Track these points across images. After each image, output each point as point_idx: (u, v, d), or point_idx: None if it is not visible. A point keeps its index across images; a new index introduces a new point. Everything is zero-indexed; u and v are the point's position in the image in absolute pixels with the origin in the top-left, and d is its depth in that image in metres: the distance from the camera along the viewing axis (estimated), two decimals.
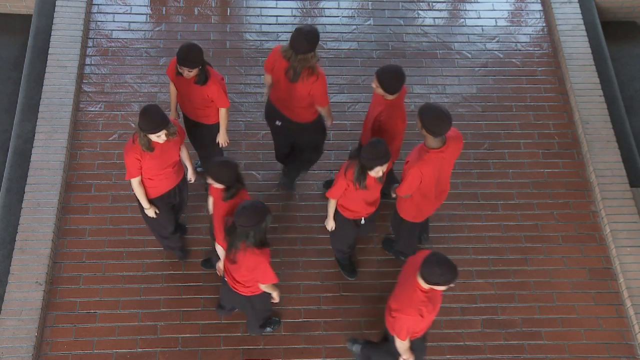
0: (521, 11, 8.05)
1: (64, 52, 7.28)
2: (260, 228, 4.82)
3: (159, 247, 6.41)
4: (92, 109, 7.10)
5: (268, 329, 6.05)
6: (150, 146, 5.24)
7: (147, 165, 5.35)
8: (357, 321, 6.20)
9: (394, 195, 5.68)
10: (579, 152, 7.16)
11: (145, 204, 5.61)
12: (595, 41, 7.73)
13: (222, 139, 6.11)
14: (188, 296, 6.23)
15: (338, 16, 7.86)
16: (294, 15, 7.83)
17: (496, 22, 7.94)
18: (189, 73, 5.49)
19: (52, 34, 7.38)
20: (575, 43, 7.68)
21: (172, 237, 6.10)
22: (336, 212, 5.69)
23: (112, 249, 6.40)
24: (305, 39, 5.43)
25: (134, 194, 5.60)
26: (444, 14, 7.97)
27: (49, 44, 7.33)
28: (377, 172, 5.15)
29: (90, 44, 7.49)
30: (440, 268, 4.49)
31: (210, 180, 5.06)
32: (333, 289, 6.34)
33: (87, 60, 7.38)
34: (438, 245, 6.57)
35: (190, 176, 5.89)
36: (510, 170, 7.03)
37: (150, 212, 5.69)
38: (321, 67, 5.91)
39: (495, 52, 7.73)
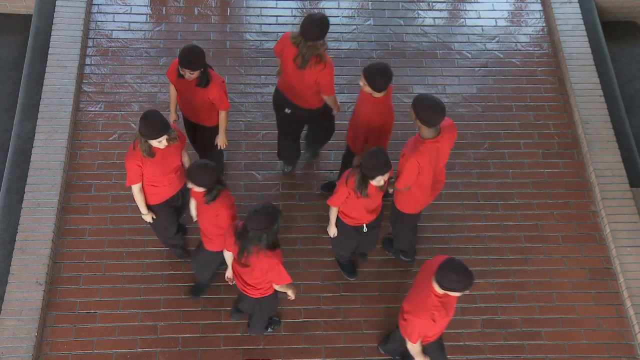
0: (521, 11, 8.05)
1: (64, 52, 7.28)
2: (273, 230, 4.83)
3: (159, 247, 6.41)
4: (92, 109, 7.10)
5: (269, 329, 6.06)
6: (151, 152, 5.25)
7: (148, 171, 5.36)
8: (357, 321, 6.20)
9: (391, 191, 5.69)
10: (579, 152, 7.16)
11: (143, 210, 5.64)
12: (595, 41, 7.73)
13: (221, 141, 6.12)
14: (188, 296, 6.23)
15: (338, 16, 7.86)
16: (294, 15, 7.83)
17: (496, 22, 7.94)
18: (191, 75, 5.49)
19: (52, 34, 7.38)
20: (575, 43, 7.68)
21: (174, 237, 6.12)
22: (337, 218, 5.71)
23: (112, 249, 6.40)
24: (316, 26, 5.45)
25: None
26: (444, 14, 7.97)
27: (49, 44, 7.33)
28: (379, 181, 5.18)
29: (90, 44, 7.49)
30: (457, 274, 4.49)
31: (190, 184, 5.06)
32: (333, 289, 6.34)
33: (87, 60, 7.38)
34: (438, 246, 6.58)
35: None
36: (510, 170, 7.03)
37: (148, 217, 5.71)
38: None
39: (495, 52, 7.73)
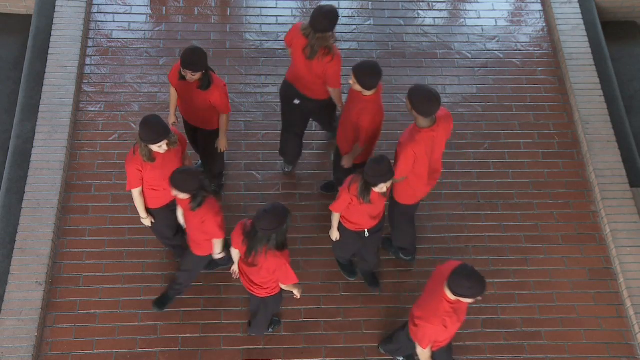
0: (521, 11, 8.05)
1: (64, 52, 7.28)
2: (282, 230, 4.83)
3: (159, 247, 6.41)
4: (92, 109, 7.10)
5: (269, 329, 6.06)
6: (151, 156, 5.25)
7: (148, 175, 5.36)
8: (357, 321, 6.20)
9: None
10: (579, 152, 7.16)
11: (142, 214, 5.65)
12: (595, 41, 7.74)
13: (222, 144, 6.12)
14: (188, 296, 6.23)
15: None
16: (294, 16, 7.83)
17: (496, 22, 7.94)
18: (193, 76, 5.49)
19: (52, 34, 7.38)
20: (575, 43, 7.68)
21: (174, 239, 6.11)
22: (339, 223, 5.71)
23: (112, 249, 6.40)
24: (326, 18, 5.52)
25: None
26: (444, 14, 7.97)
27: (49, 44, 7.33)
28: (381, 188, 5.19)
29: (90, 44, 7.49)
30: (470, 281, 4.49)
31: (174, 192, 5.06)
32: (333, 289, 6.34)
33: (87, 60, 7.38)
34: (438, 246, 6.58)
35: None
36: (510, 170, 7.03)
37: (147, 222, 5.72)
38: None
39: (495, 52, 7.73)
